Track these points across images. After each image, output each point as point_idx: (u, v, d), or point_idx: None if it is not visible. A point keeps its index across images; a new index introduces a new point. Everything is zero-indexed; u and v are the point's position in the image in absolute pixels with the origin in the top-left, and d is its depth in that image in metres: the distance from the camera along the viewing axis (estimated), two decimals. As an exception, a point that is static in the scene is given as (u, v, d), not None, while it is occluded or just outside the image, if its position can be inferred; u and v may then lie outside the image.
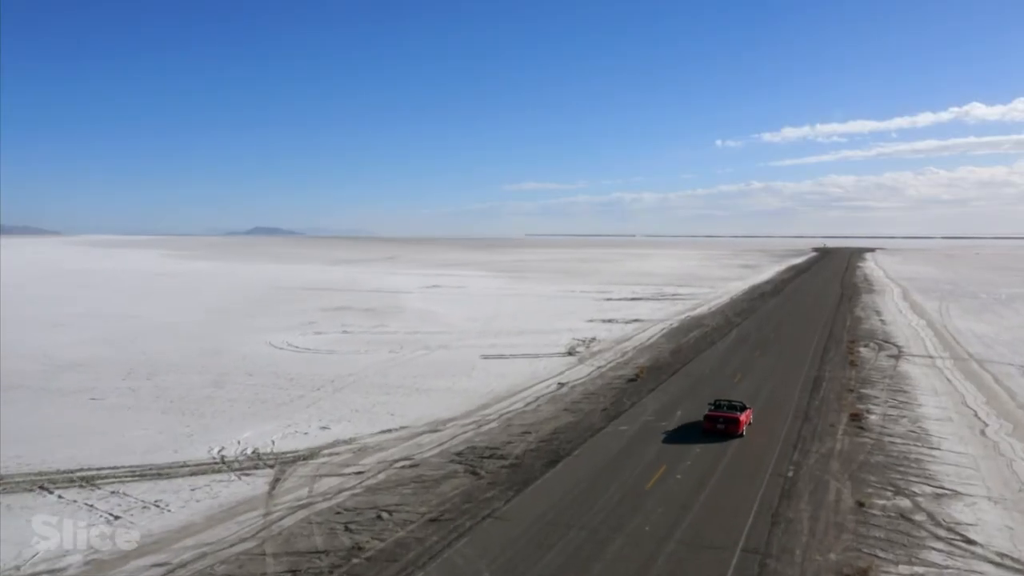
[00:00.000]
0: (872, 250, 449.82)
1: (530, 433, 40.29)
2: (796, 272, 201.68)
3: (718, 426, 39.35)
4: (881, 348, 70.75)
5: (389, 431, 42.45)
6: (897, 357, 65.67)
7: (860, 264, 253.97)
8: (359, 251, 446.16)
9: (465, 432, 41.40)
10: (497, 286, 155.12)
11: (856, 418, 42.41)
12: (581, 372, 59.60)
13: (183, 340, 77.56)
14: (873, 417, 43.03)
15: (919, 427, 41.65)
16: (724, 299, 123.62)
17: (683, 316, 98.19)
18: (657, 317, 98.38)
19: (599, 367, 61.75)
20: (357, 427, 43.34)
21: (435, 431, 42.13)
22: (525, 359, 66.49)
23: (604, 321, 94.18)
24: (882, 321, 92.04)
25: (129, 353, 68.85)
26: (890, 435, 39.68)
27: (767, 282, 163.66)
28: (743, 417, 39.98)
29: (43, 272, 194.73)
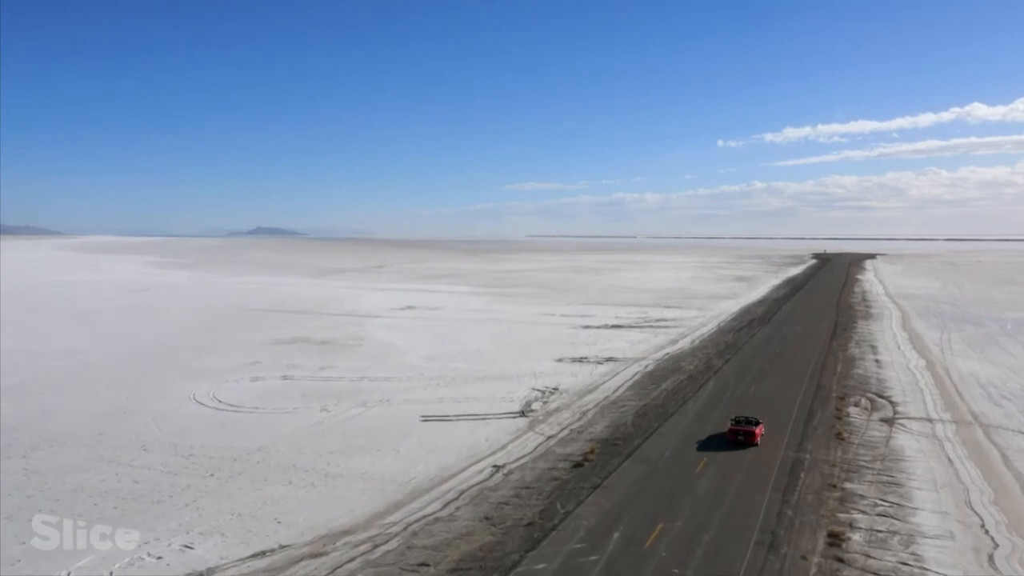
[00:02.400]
0: (873, 256, 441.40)
1: (428, 567, 32.48)
2: (792, 288, 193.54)
3: (739, 437, 50.06)
4: (874, 406, 62.84)
5: (263, 554, 34.70)
6: (891, 422, 57.78)
7: (859, 276, 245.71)
8: (352, 257, 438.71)
9: (351, 560, 33.61)
10: (476, 307, 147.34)
11: (835, 540, 34.53)
12: (526, 446, 51.77)
13: (101, 389, 69.93)
14: (856, 538, 35.12)
15: (912, 553, 33.79)
16: (711, 327, 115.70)
17: (662, 354, 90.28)
18: (634, 354, 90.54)
19: (549, 437, 53.94)
20: (227, 546, 35.58)
21: (318, 555, 34.37)
22: (470, 422, 58.76)
23: (574, 360, 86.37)
24: (877, 362, 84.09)
25: (27, 412, 61.18)
26: (875, 572, 31.82)
27: (759, 302, 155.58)
28: (757, 431, 50.59)
29: (4, 287, 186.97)
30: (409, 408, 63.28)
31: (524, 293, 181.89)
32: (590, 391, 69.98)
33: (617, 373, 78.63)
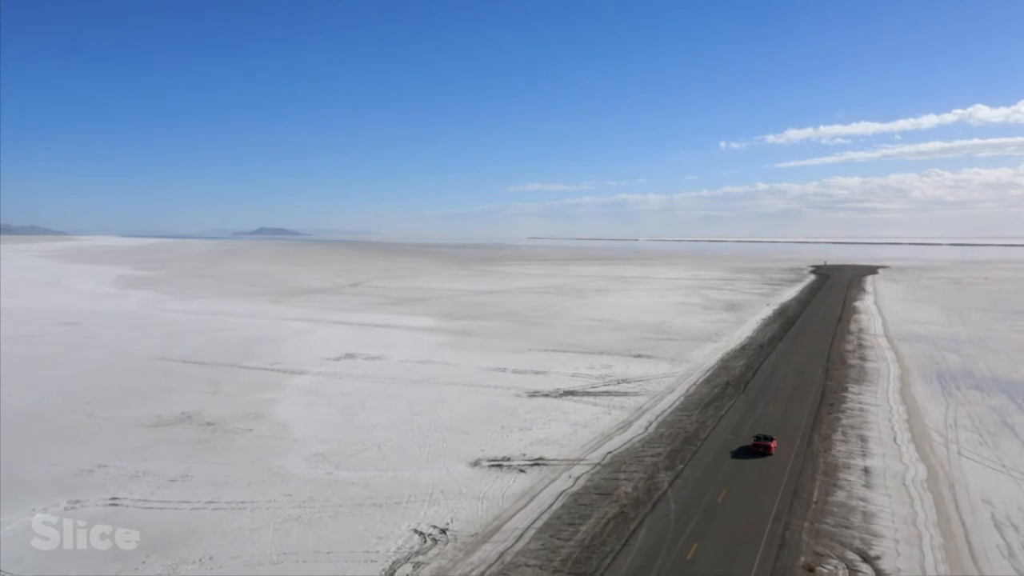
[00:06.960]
0: (875, 271, 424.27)
1: None
2: (783, 324, 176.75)
3: (759, 449, 70.75)
4: (854, 584, 46.46)
5: None
6: (875, 627, 41.43)
7: (858, 303, 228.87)
8: (334, 270, 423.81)
9: None
10: (422, 355, 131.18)
11: None
12: None
13: None
14: None
15: None
16: (677, 396, 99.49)
17: (603, 453, 74.02)
18: (570, 451, 74.51)
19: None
20: None
21: None
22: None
23: (493, 464, 70.41)
24: (866, 472, 67.83)
25: None
26: None
27: (741, 350, 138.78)
28: (772, 444, 71.47)
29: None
30: (229, 579, 47.18)
31: (488, 330, 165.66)
32: (486, 538, 53.68)
33: (535, 495, 62.40)
